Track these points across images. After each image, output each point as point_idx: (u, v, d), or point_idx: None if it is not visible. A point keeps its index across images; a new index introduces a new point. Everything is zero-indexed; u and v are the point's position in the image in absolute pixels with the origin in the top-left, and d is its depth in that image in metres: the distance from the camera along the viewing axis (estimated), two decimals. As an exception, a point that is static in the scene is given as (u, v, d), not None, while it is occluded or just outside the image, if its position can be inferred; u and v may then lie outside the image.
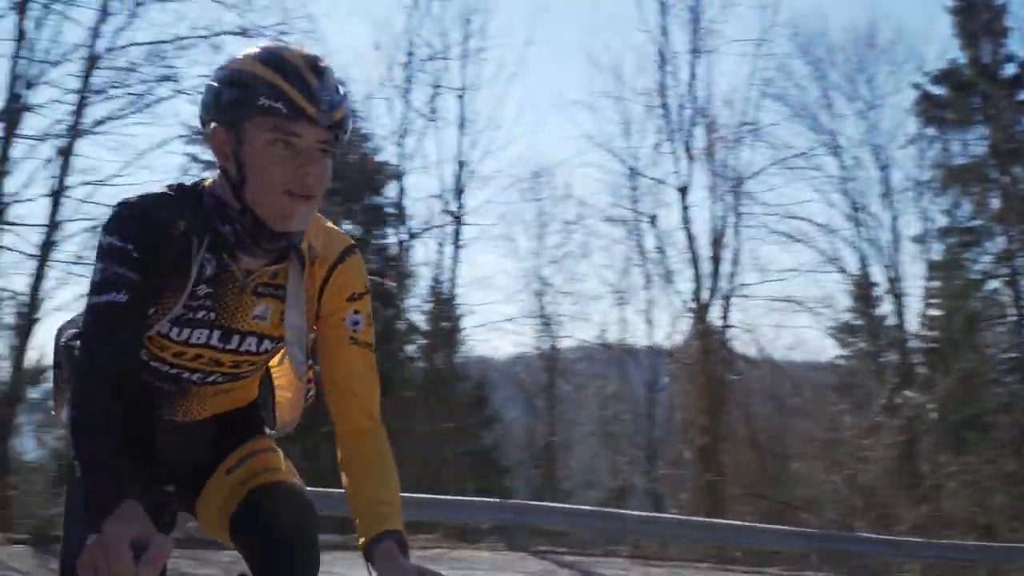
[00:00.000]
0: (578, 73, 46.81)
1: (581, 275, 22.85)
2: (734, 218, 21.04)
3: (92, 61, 14.70)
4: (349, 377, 1.97)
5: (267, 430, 2.27)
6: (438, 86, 21.00)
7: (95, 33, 14.66)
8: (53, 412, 2.27)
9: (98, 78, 14.86)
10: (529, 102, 46.24)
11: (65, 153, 14.70)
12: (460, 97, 21.08)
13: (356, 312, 1.98)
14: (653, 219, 21.57)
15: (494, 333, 33.10)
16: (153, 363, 1.98)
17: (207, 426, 2.15)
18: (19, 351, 14.54)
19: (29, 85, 14.29)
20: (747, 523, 15.12)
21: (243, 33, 15.42)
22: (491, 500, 12.85)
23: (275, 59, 1.73)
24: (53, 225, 14.54)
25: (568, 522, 13.16)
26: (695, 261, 20.72)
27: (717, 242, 20.57)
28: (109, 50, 14.83)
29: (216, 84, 1.79)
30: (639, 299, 22.11)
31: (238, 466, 2.11)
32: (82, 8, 14.69)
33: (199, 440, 2.14)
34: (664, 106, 21.33)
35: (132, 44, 15.01)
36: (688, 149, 21.12)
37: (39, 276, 14.43)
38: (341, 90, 1.77)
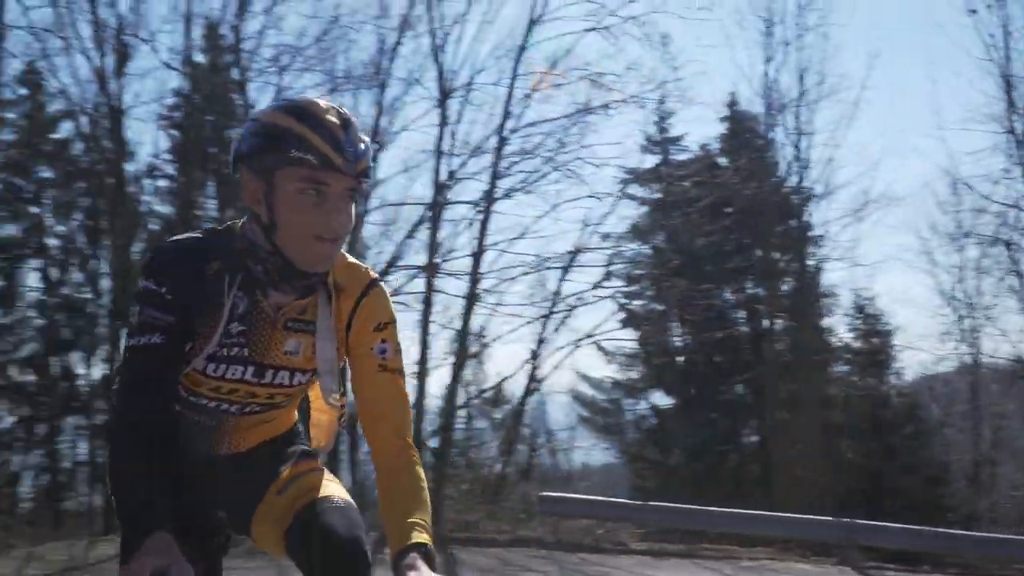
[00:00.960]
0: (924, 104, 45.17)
1: (1001, 290, 21.90)
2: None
3: (502, 139, 18.10)
4: (380, 402, 2.03)
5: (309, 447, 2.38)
6: (801, 133, 21.85)
7: (504, 117, 18.06)
8: None
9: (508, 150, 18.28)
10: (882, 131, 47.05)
11: (484, 216, 18.26)
12: (795, 146, 22.00)
13: (384, 341, 2.05)
14: (1008, 244, 20.74)
15: (917, 350, 32.06)
16: (192, 398, 2.08)
17: (251, 455, 2.25)
18: (454, 383, 18.19)
19: (451, 176, 17.99)
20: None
21: (626, 102, 18.17)
22: (824, 518, 13.50)
23: (305, 113, 1.83)
24: (476, 275, 18.22)
25: (897, 541, 13.40)
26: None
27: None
28: (513, 130, 18.18)
29: (248, 134, 1.88)
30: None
31: (287, 487, 2.20)
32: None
33: (245, 469, 2.22)
34: (1011, 131, 20.31)
35: (527, 124, 18.31)
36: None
37: (467, 316, 18.13)
38: (365, 141, 1.87)
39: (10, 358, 19.23)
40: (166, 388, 1.93)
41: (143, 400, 1.86)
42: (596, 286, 20.01)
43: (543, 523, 14.14)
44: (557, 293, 19.73)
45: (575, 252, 19.61)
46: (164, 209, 20.62)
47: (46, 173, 21.22)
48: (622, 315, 24.06)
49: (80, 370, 19.67)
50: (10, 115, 20.07)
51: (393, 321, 2.09)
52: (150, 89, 19.14)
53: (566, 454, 24.44)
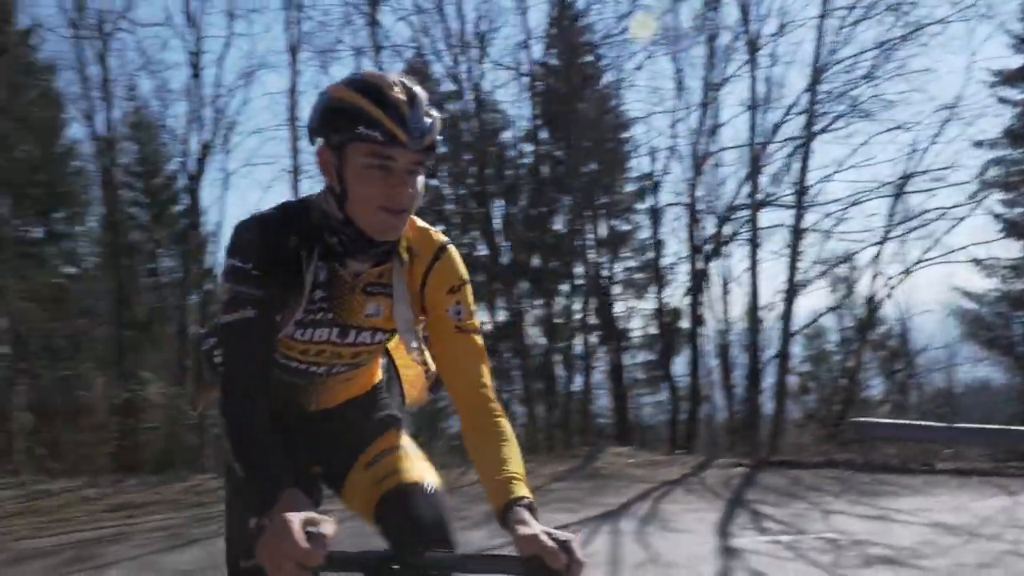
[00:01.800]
0: None
1: None
2: None
3: (817, 77, 18.46)
4: (459, 359, 2.10)
5: (397, 413, 2.49)
6: None
7: (816, 54, 18.52)
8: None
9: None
10: None
11: (805, 151, 18.90)
12: None
13: (458, 303, 2.11)
14: None
15: None
16: (283, 361, 2.17)
17: (339, 411, 2.40)
18: (788, 310, 19.10)
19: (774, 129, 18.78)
20: None
21: (940, 23, 17.93)
22: None
23: (373, 89, 1.86)
24: (802, 207, 18.97)
25: None
26: None
27: None
28: (826, 67, 18.66)
29: (321, 108, 1.93)
30: None
31: (375, 462, 2.33)
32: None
33: (335, 425, 2.38)
34: None
35: (841, 60, 18.77)
36: None
37: (795, 247, 18.95)
38: (432, 116, 1.90)
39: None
40: (264, 357, 2.00)
41: (248, 369, 1.95)
42: (971, 198, 20.07)
43: (866, 446, 14.63)
44: (890, 213, 19.68)
45: (906, 176, 19.47)
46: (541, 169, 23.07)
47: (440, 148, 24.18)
48: (999, 224, 23.09)
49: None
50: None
51: (465, 282, 2.15)
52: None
53: (945, 373, 23.96)
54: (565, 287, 23.43)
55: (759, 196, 18.97)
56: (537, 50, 21.82)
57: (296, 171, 20.15)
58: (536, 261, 22.66)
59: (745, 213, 19.74)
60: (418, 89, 1.90)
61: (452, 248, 2.16)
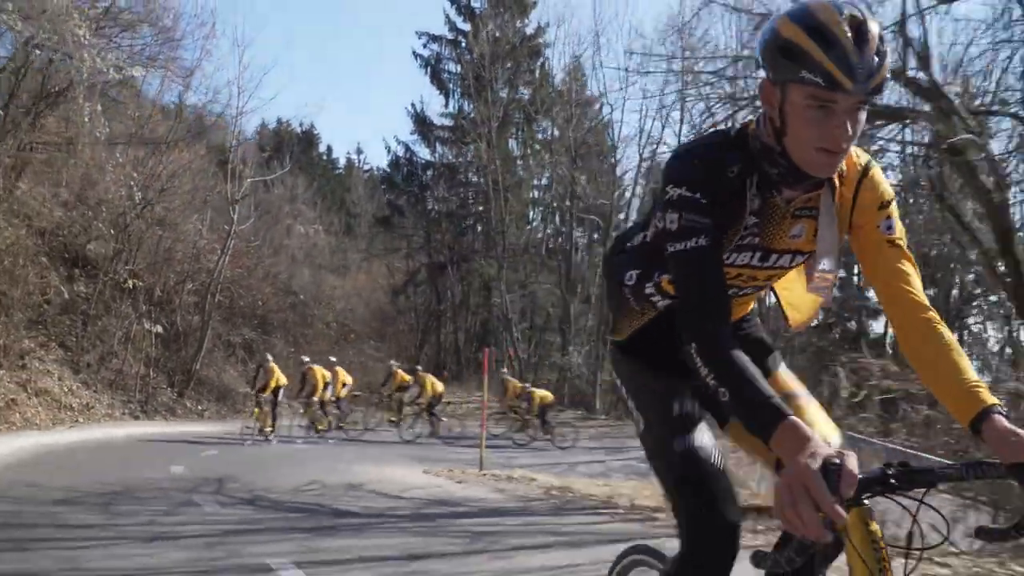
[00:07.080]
0: None
1: None
2: None
3: None
4: (893, 275, 2.05)
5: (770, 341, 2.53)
6: None
7: None
8: (617, 337, 2.46)
9: None
10: None
11: None
12: None
13: (888, 218, 2.10)
14: None
15: None
16: None
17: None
18: None
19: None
20: None
21: None
22: None
23: (819, 29, 1.82)
24: None
25: None
26: None
27: None
28: None
29: (766, 41, 1.94)
30: None
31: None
32: None
33: None
34: None
35: None
36: None
37: None
38: (881, 52, 1.83)
39: None
40: (722, 283, 1.99)
41: (711, 297, 1.94)
42: None
43: None
44: None
45: None
46: None
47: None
48: None
49: None
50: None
51: (893, 199, 2.15)
52: None
53: None
54: None
55: None
56: None
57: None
58: None
59: None
60: (871, 24, 1.85)
61: (876, 166, 2.16)
